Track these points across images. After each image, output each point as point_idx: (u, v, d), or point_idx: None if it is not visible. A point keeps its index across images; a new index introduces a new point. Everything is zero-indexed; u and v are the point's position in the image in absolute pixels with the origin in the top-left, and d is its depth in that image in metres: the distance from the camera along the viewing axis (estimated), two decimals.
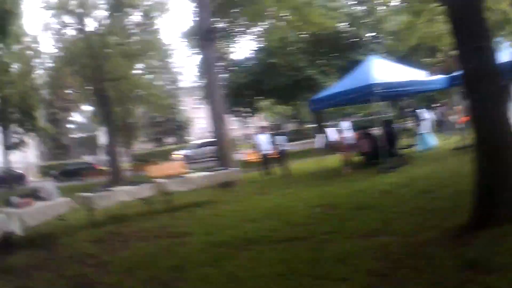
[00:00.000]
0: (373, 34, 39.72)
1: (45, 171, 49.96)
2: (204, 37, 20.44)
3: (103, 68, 27.61)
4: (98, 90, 29.08)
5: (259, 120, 58.67)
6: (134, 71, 31.92)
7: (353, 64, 25.16)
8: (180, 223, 11.42)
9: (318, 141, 25.06)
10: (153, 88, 32.53)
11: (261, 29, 29.35)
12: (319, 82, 35.76)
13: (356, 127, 22.12)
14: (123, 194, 13.45)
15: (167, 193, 14.18)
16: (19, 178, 41.29)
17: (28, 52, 33.28)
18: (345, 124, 20.17)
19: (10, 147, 38.69)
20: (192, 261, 7.47)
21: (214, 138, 21.61)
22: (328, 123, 29.16)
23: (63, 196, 12.40)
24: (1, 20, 16.89)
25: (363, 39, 39.00)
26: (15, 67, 33.01)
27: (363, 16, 38.62)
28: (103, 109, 30.88)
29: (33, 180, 45.37)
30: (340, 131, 20.22)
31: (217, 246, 8.25)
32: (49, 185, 13.15)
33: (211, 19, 20.87)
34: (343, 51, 37.87)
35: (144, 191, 13.91)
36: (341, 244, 7.22)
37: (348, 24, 37.72)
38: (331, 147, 21.81)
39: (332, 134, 22.04)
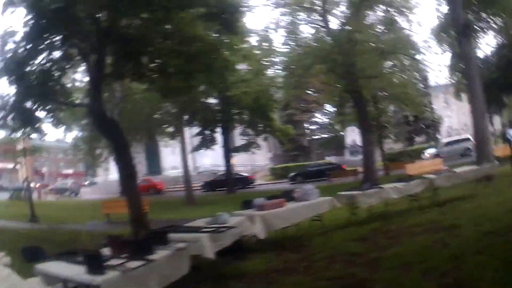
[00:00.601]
0: None
1: (277, 173, 52.30)
2: (461, 32, 21.95)
3: (356, 66, 28.38)
4: (350, 89, 29.80)
5: (501, 116, 57.15)
6: (385, 69, 32.30)
7: None
8: (448, 217, 12.13)
9: None
10: (407, 86, 32.65)
11: (504, 24, 28.87)
12: None
13: None
14: (390, 191, 14.30)
15: (434, 188, 15.24)
16: (243, 181, 43.92)
17: (258, 51, 34.74)
18: None
19: (234, 149, 41.29)
20: (467, 250, 8.06)
21: (474, 133, 23.75)
22: None
23: (322, 196, 13.01)
24: (229, 16, 17.63)
25: None
26: (243, 67, 34.69)
27: None
28: (355, 108, 31.97)
29: (262, 183, 47.75)
30: None
31: (487, 236, 8.93)
32: (307, 186, 13.71)
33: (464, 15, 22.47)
34: None
35: (412, 187, 14.88)
36: None
37: None
38: None
39: None
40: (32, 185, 40.33)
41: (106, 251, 7.54)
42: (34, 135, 19.17)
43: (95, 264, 6.48)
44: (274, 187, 35.82)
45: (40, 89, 15.61)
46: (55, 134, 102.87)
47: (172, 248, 7.48)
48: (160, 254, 7.20)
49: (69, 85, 20.23)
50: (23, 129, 17.35)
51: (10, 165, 64.19)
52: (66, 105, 18.75)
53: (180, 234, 8.69)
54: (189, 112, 34.60)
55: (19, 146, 37.56)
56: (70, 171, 79.55)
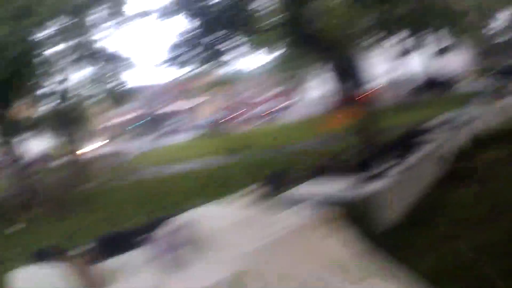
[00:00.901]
0: None
1: (479, 73, 52.05)
2: None
3: None
4: None
5: None
6: None
7: None
8: None
9: None
10: None
11: None
12: None
13: None
14: None
15: None
16: (449, 83, 46.57)
17: None
18: None
19: (434, 53, 42.37)
20: None
21: None
22: None
23: None
24: None
25: None
26: None
27: None
28: None
29: (466, 83, 47.69)
30: None
31: None
32: None
33: None
34: None
35: None
36: None
37: None
38: None
39: None
40: (226, 117, 41.65)
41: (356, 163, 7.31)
42: (222, 67, 19.68)
43: (362, 175, 6.48)
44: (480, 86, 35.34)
45: (229, 19, 15.98)
46: (245, 61, 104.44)
47: (425, 150, 7.48)
48: (415, 157, 7.26)
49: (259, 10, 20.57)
50: (210, 63, 17.89)
51: (189, 105, 66.79)
52: (260, 30, 19.09)
53: (423, 136, 8.75)
54: (391, 20, 34.88)
55: (205, 81, 39.06)
56: (267, 95, 79.71)
